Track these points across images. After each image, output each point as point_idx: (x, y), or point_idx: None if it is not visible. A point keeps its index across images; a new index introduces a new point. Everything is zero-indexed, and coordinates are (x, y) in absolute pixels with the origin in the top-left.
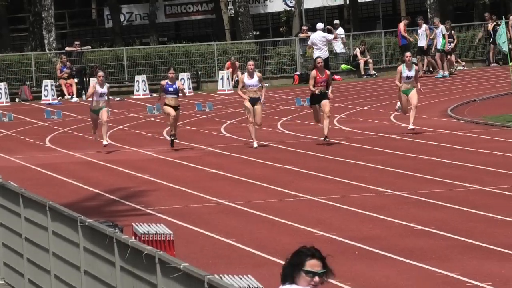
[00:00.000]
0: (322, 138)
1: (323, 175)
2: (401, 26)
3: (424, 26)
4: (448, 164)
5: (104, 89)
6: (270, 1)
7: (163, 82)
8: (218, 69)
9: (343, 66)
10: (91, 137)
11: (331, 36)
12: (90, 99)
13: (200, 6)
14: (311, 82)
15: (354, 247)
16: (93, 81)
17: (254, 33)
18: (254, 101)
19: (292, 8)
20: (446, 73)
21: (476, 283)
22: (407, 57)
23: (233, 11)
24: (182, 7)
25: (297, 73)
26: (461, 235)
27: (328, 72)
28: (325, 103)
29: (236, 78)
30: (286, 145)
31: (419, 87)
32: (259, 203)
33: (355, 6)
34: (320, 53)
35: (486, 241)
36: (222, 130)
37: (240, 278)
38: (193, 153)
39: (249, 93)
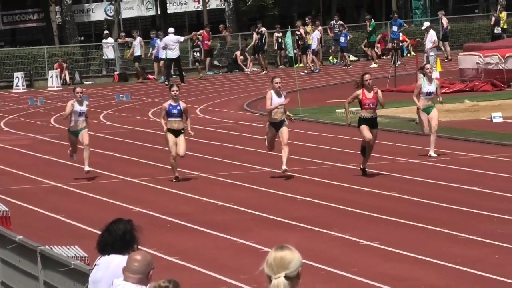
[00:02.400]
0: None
1: (141, 160)
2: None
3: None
4: (246, 151)
5: (84, 107)
6: (92, 11)
7: (166, 104)
8: (48, 69)
9: None
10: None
11: (181, 38)
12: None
13: (33, 15)
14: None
15: (166, 221)
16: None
17: (79, 38)
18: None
19: (112, 18)
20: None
21: (267, 249)
22: (428, 69)
23: (60, 20)
24: (17, 16)
25: (117, 72)
26: (257, 210)
27: (377, 90)
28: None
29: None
30: (108, 135)
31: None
32: (87, 184)
33: (165, 16)
34: (173, 53)
35: (278, 215)
36: (51, 121)
37: (68, 249)
38: (27, 141)
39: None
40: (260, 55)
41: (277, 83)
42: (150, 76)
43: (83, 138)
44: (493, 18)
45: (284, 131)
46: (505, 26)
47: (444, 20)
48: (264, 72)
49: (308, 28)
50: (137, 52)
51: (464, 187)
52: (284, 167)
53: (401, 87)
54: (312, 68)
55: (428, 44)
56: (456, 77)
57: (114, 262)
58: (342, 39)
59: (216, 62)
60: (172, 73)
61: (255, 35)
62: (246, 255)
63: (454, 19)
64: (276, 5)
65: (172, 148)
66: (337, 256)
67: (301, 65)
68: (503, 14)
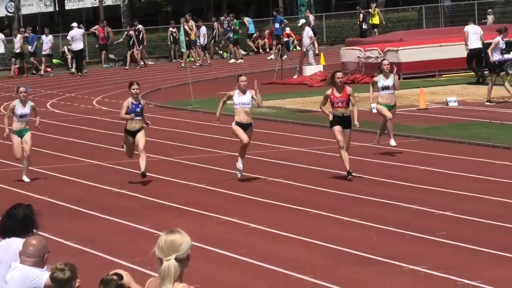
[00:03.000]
0: None
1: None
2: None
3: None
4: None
5: (27, 109)
6: None
7: (127, 103)
8: None
9: (54, 60)
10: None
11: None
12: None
13: None
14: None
15: (64, 207)
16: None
17: None
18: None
19: (12, 14)
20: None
21: (160, 233)
22: (385, 65)
23: None
24: None
25: (17, 66)
26: (151, 196)
27: (348, 88)
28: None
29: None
30: None
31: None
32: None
33: (63, 12)
34: (77, 46)
35: (170, 201)
36: None
37: None
38: None
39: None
40: (141, 49)
41: (242, 81)
42: (48, 69)
43: (25, 145)
44: (361, 15)
45: (247, 135)
46: (377, 22)
47: (311, 18)
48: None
49: (190, 24)
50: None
51: (344, 173)
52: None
53: (286, 79)
54: (201, 62)
55: (306, 40)
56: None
57: (13, 245)
58: (231, 34)
59: (112, 56)
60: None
61: (132, 32)
62: (140, 239)
63: (336, 15)
64: (169, 2)
65: (130, 154)
66: (227, 238)
67: (192, 59)
68: (376, 11)
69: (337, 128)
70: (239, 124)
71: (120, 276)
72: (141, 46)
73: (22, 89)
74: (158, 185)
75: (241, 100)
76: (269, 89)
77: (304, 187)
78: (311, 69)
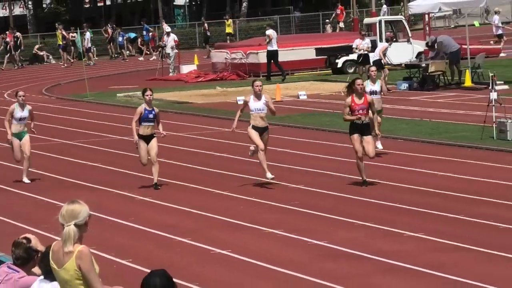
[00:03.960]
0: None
1: None
2: None
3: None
4: (47, 127)
5: (25, 113)
6: None
7: (140, 109)
8: None
9: None
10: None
11: None
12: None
13: None
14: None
15: None
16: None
17: None
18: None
19: None
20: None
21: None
22: (372, 71)
23: None
24: None
25: None
26: (56, 174)
27: (368, 96)
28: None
29: None
30: None
31: None
32: None
33: None
34: None
35: (72, 178)
36: None
37: None
38: None
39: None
40: (17, 54)
41: (257, 86)
42: None
43: (25, 147)
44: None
45: (263, 139)
46: (230, 31)
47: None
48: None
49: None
50: None
51: (217, 154)
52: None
53: (166, 76)
54: (88, 62)
55: (170, 43)
56: (210, 69)
57: None
58: (120, 38)
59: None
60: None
61: (8, 39)
62: (45, 210)
63: (209, 23)
64: (67, 11)
65: (144, 158)
66: (118, 209)
67: (86, 59)
68: (229, 21)
69: (356, 137)
70: (255, 128)
71: (29, 240)
72: (18, 50)
73: (21, 92)
74: (59, 165)
75: (257, 106)
76: (151, 84)
77: (185, 166)
78: (188, 68)
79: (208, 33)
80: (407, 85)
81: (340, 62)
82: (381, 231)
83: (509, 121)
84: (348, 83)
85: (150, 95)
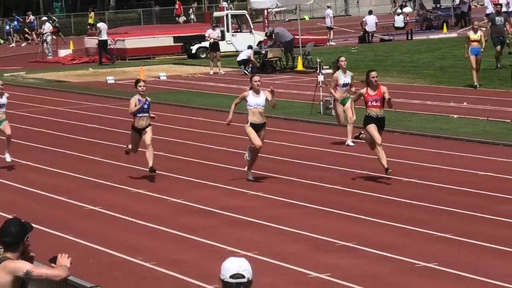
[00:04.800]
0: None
1: None
2: None
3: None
4: None
5: (3, 100)
6: None
7: (134, 100)
8: None
9: None
10: None
11: None
12: None
13: None
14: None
15: None
16: None
17: None
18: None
19: None
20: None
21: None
22: (343, 61)
23: None
24: None
25: None
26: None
27: (383, 87)
28: None
29: None
30: None
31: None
32: None
33: None
34: None
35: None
36: None
37: None
38: None
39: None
40: None
41: (256, 81)
42: None
43: (6, 128)
44: (93, 13)
45: (261, 135)
46: (92, 22)
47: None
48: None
49: None
50: None
51: (89, 125)
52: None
53: (46, 59)
54: None
55: (47, 30)
56: (83, 53)
57: None
58: (7, 27)
59: None
60: None
61: None
62: None
63: (80, 15)
64: None
65: (135, 150)
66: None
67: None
68: (91, 14)
69: (373, 126)
70: (253, 125)
71: None
72: None
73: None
74: None
75: (256, 101)
76: (33, 66)
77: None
78: (64, 52)
79: None
80: (250, 69)
81: (194, 48)
82: (228, 190)
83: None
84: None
85: (144, 86)
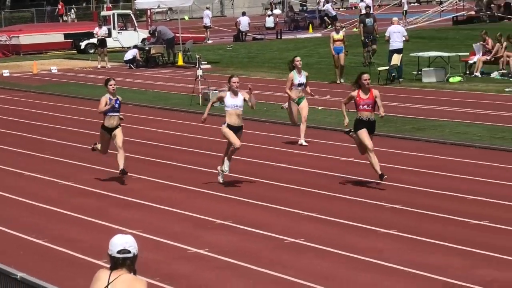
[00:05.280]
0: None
1: None
2: None
3: None
4: None
5: None
6: None
7: (105, 98)
8: None
9: None
10: None
11: None
12: None
13: None
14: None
15: None
16: None
17: None
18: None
19: None
20: None
21: None
22: (298, 61)
23: None
24: None
25: None
26: None
27: (375, 91)
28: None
29: None
30: None
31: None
32: None
33: None
34: None
35: None
36: None
37: None
38: None
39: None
40: None
41: (234, 82)
42: None
43: None
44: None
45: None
46: None
47: None
48: None
49: None
50: None
51: (50, 125)
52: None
53: None
54: None
55: None
56: None
57: None
58: None
59: None
60: None
61: None
62: None
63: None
64: None
65: (105, 151)
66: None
67: None
68: None
69: (364, 132)
70: (230, 126)
71: None
72: None
73: None
74: None
75: (234, 102)
76: None
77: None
78: None
79: None
80: (135, 63)
81: (83, 44)
82: (159, 183)
83: (211, 91)
84: (354, 80)
85: (114, 84)
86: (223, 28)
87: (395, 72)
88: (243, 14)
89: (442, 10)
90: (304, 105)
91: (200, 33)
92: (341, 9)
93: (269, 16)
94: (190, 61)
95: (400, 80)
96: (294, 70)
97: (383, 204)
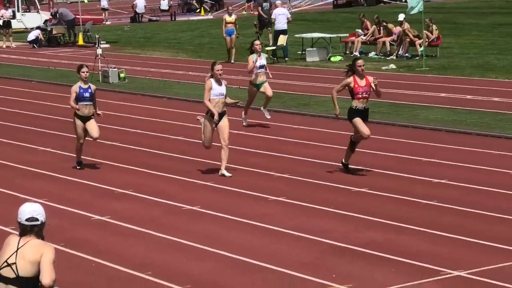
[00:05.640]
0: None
1: None
2: None
3: None
4: None
5: None
6: None
7: (75, 87)
8: None
9: None
10: None
11: None
12: None
13: None
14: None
15: None
16: None
17: None
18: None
19: None
20: None
21: None
22: (258, 45)
23: None
24: None
25: None
26: None
27: (369, 77)
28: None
29: None
30: None
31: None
32: None
33: None
34: None
35: None
36: None
37: None
38: None
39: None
40: None
41: (218, 70)
42: None
43: None
44: None
45: (224, 126)
46: None
47: None
48: None
49: None
50: None
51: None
52: (225, 172)
53: None
54: None
55: None
56: None
57: None
58: None
59: None
60: None
61: None
62: None
63: None
64: None
65: (81, 135)
66: None
67: None
68: None
69: (359, 120)
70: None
71: None
72: None
73: None
74: None
75: (220, 90)
76: None
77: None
78: None
79: None
80: (38, 43)
81: None
82: (64, 155)
83: (111, 69)
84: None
85: (87, 71)
86: (120, 10)
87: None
88: None
89: None
90: (266, 86)
91: (99, 14)
92: None
93: None
94: (90, 41)
95: (286, 59)
96: (254, 54)
97: (272, 173)
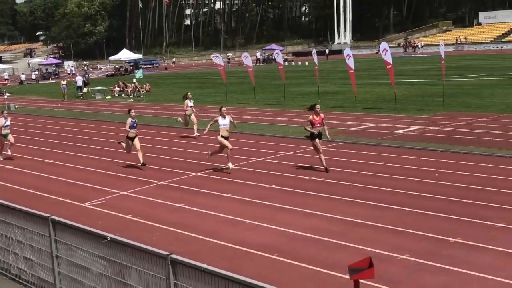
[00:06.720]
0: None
1: None
2: None
3: None
4: None
5: (8, 122)
6: None
7: (129, 121)
8: None
9: None
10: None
11: None
12: None
13: None
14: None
15: None
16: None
17: None
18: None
19: None
20: None
21: None
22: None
23: None
24: None
25: None
26: None
27: (321, 114)
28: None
29: None
30: None
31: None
32: None
33: None
34: None
35: None
36: None
37: None
38: None
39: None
40: None
41: (224, 110)
42: None
43: (10, 138)
44: None
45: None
46: None
47: None
48: None
49: None
50: None
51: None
52: (230, 166)
53: None
54: None
55: None
56: None
57: None
58: None
59: None
60: None
61: None
62: None
63: None
64: None
65: (129, 150)
66: None
67: None
68: None
69: (318, 140)
70: (223, 137)
71: None
72: None
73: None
74: None
75: (224, 122)
76: None
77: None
78: None
79: None
80: None
81: None
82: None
83: (11, 103)
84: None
85: (134, 112)
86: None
87: None
88: None
89: None
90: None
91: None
92: None
93: None
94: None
95: None
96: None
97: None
